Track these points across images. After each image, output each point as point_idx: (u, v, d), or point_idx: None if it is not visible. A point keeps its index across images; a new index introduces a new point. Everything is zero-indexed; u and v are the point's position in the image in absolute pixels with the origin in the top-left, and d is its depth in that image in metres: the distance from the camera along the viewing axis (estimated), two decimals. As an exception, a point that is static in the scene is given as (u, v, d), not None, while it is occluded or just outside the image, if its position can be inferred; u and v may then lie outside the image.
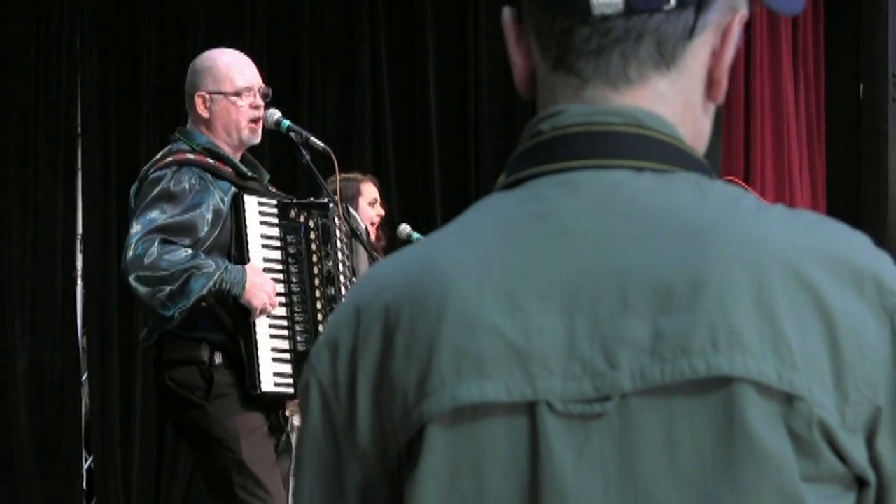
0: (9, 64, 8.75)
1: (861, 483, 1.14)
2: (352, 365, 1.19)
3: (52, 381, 8.76)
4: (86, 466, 8.83)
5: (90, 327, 8.84)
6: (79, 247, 8.92)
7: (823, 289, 1.12)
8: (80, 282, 8.92)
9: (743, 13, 1.23)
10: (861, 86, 8.29)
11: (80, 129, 8.92)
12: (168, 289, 3.89)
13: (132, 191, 4.14)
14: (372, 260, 4.38)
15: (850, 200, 7.78)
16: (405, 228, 6.14)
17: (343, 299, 4.16)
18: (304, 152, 4.33)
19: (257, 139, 4.25)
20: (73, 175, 8.90)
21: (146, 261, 3.90)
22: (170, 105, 7.75)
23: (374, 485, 1.20)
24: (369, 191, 5.77)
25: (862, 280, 1.13)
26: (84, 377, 8.85)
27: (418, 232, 6.07)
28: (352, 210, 4.53)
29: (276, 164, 4.57)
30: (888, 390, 1.13)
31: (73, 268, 8.92)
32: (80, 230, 8.91)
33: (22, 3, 8.76)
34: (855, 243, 1.16)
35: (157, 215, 3.97)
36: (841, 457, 1.12)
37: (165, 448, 8.47)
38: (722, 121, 7.24)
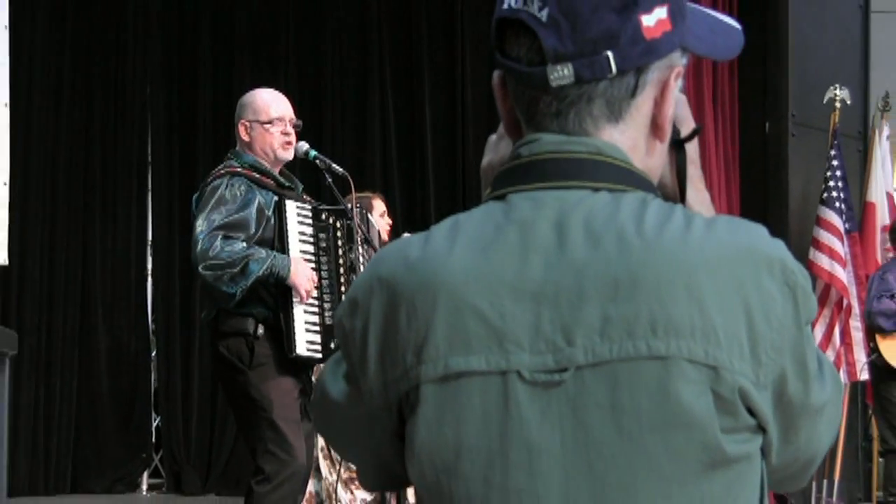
0: (94, 106, 8.77)
1: (763, 431, 1.16)
2: (365, 321, 1.20)
3: (128, 356, 8.77)
4: (154, 424, 8.83)
5: (158, 315, 8.85)
6: (149, 251, 8.94)
7: (741, 275, 1.13)
8: (149, 278, 8.93)
9: (679, 70, 1.24)
10: (767, 123, 8.30)
11: (149, 158, 8.95)
12: (230, 272, 3.92)
13: (194, 198, 4.15)
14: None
15: (758, 215, 7.76)
16: (406, 236, 6.15)
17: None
18: (327, 176, 4.34)
19: (289, 157, 4.25)
20: (144, 194, 8.92)
21: (211, 253, 3.92)
22: (221, 138, 7.73)
23: (377, 412, 1.21)
24: (379, 205, 5.77)
25: (771, 264, 1.14)
26: (153, 354, 8.86)
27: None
28: (371, 217, 4.52)
29: (304, 185, 4.54)
30: (790, 350, 1.14)
31: (144, 267, 8.93)
32: (149, 238, 8.93)
33: (103, 57, 8.77)
34: (761, 236, 1.16)
35: (215, 216, 3.99)
36: (751, 411, 1.13)
37: (217, 410, 8.47)
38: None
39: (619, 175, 1.19)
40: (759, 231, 1.17)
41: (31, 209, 8.39)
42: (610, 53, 1.16)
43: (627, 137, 1.21)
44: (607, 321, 1.11)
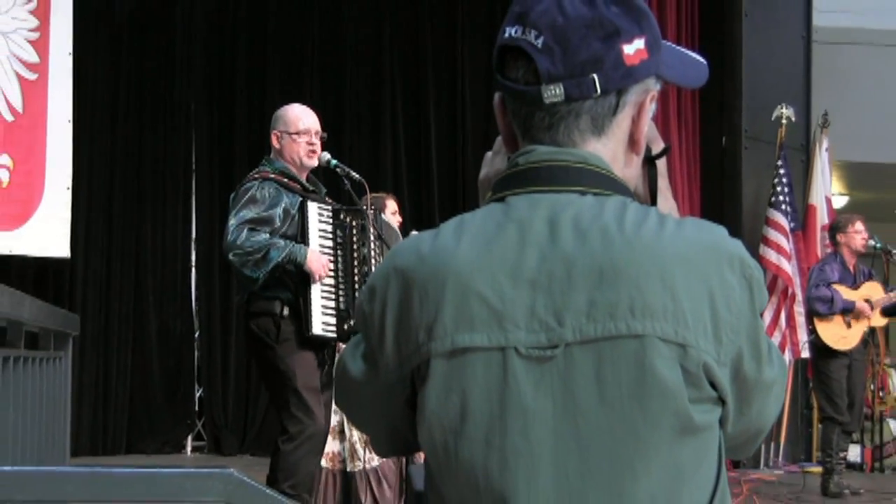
0: (146, 121, 8.77)
1: (723, 402, 1.16)
2: (382, 305, 1.20)
3: (175, 337, 8.78)
4: (197, 395, 8.83)
5: (200, 301, 8.85)
6: (193, 245, 8.93)
7: (707, 268, 1.13)
8: (193, 269, 8.92)
9: (653, 93, 1.24)
10: (723, 137, 8.31)
11: (194, 166, 8.94)
12: (255, 258, 3.92)
13: (231, 197, 4.14)
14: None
15: (716, 215, 7.77)
16: (414, 234, 6.10)
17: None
18: (346, 182, 4.32)
19: (314, 164, 4.23)
20: (189, 197, 8.92)
21: (238, 241, 3.93)
22: (255, 148, 7.73)
23: (393, 383, 1.21)
24: (391, 205, 5.75)
25: (731, 259, 1.14)
26: (196, 334, 8.86)
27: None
28: (384, 217, 4.51)
29: (327, 189, 4.53)
30: (746, 332, 1.15)
31: (189, 260, 8.92)
32: (194, 234, 8.92)
33: (154, 78, 8.77)
34: (723, 235, 1.17)
35: (246, 213, 3.99)
36: (713, 385, 1.13)
37: (252, 383, 8.48)
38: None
39: (602, 181, 1.19)
40: (721, 231, 1.17)
41: (92, 210, 8.40)
42: (595, 76, 1.17)
43: (609, 149, 1.22)
44: (593, 305, 1.11)
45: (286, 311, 4.03)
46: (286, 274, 4.01)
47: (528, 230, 1.15)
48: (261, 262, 3.93)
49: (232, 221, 3.98)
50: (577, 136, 1.20)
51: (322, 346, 4.14)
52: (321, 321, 4.05)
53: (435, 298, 1.15)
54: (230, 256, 3.95)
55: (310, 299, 4.02)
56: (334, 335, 4.10)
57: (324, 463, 5.06)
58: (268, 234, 3.97)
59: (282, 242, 3.97)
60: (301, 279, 4.03)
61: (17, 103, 7.70)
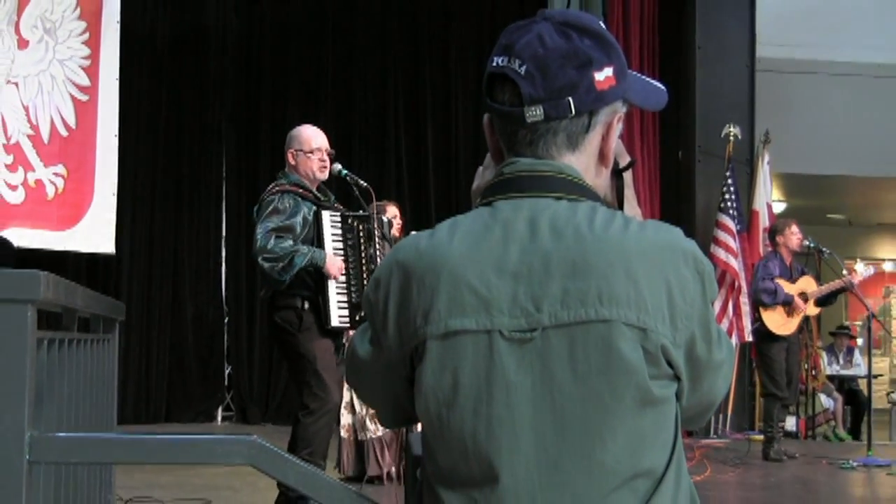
0: (182, 138, 8.77)
1: (678, 379, 1.16)
2: (385, 294, 1.20)
3: (207, 322, 8.78)
4: (227, 372, 8.84)
5: (229, 291, 8.85)
6: (223, 244, 8.94)
7: (665, 263, 1.13)
8: (223, 264, 8.93)
9: (620, 114, 1.25)
10: (680, 153, 8.32)
11: (224, 174, 8.94)
12: (281, 264, 3.92)
13: (255, 209, 4.14)
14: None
15: (673, 219, 7.72)
16: (414, 233, 6.09)
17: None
18: (354, 189, 4.31)
19: (325, 177, 4.22)
20: (219, 202, 8.93)
21: (268, 247, 3.93)
22: (277, 162, 7.73)
23: (395, 362, 1.21)
24: (392, 210, 5.74)
25: (686, 256, 1.14)
26: (226, 320, 8.86)
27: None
28: (385, 218, 4.50)
29: (337, 196, 4.52)
30: (698, 319, 1.15)
31: (220, 255, 8.93)
32: (223, 234, 8.92)
33: (189, 99, 8.77)
34: (679, 235, 1.17)
35: (270, 222, 3.98)
36: (670, 364, 1.13)
37: (273, 363, 8.48)
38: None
39: (575, 189, 1.19)
40: (677, 231, 1.17)
41: (136, 214, 8.40)
42: (570, 99, 1.17)
43: (581, 162, 1.22)
44: (567, 293, 1.11)
45: (307, 305, 4.03)
46: (307, 274, 4.02)
47: (512, 229, 1.15)
48: (287, 266, 3.93)
49: (259, 230, 3.97)
50: (554, 151, 1.20)
51: (338, 334, 4.15)
52: (337, 315, 4.06)
53: (431, 288, 1.15)
54: (259, 260, 3.93)
55: (328, 297, 4.03)
56: (348, 325, 4.11)
57: (343, 434, 5.12)
58: (291, 241, 3.97)
59: (305, 249, 3.98)
60: (319, 279, 4.04)
61: (71, 121, 7.69)
